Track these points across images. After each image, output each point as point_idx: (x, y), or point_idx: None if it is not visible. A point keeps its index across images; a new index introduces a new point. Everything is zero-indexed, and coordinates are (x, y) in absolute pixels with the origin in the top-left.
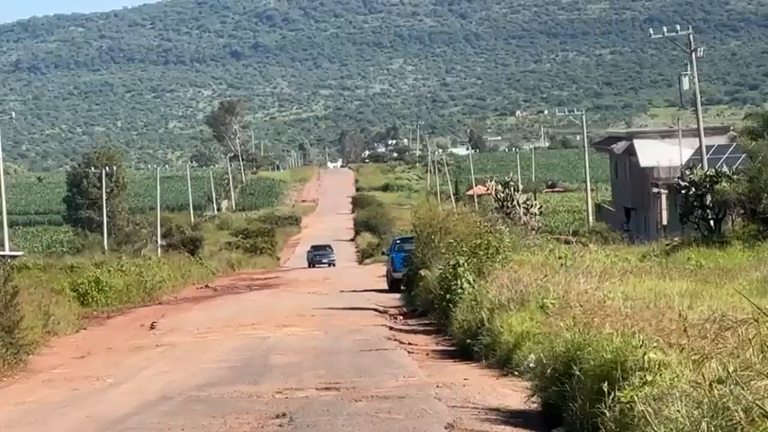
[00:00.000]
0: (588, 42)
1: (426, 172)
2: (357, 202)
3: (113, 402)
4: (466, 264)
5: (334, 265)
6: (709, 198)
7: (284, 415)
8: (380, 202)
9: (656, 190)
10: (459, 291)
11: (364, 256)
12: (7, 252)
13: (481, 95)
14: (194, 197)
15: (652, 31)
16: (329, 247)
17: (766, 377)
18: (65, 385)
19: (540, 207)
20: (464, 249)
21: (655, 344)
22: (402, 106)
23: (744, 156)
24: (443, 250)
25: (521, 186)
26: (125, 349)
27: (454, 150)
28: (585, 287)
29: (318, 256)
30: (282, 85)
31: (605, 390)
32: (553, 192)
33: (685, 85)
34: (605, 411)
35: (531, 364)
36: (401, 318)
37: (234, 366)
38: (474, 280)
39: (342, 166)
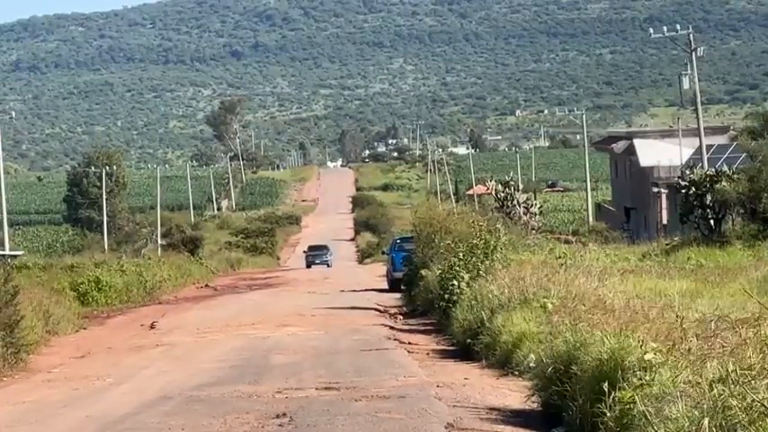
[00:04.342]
0: (588, 42)
1: (426, 172)
2: (357, 202)
3: (113, 402)
4: (463, 263)
5: (329, 265)
6: (709, 198)
7: (284, 415)
8: (380, 201)
9: (656, 190)
10: (457, 291)
11: (364, 255)
12: (7, 252)
13: (481, 95)
14: (194, 197)
15: (652, 31)
16: (326, 247)
17: (766, 376)
18: (65, 385)
19: (540, 206)
20: (462, 249)
21: (654, 343)
22: (402, 106)
23: (744, 155)
24: (443, 250)
25: (521, 186)
26: (125, 349)
27: (454, 150)
28: (586, 287)
29: (312, 256)
30: (282, 85)
31: (605, 389)
32: (553, 191)
33: (685, 84)
34: (605, 411)
35: (531, 364)
36: (401, 317)
37: (234, 366)
38: (472, 280)
39: (342, 166)
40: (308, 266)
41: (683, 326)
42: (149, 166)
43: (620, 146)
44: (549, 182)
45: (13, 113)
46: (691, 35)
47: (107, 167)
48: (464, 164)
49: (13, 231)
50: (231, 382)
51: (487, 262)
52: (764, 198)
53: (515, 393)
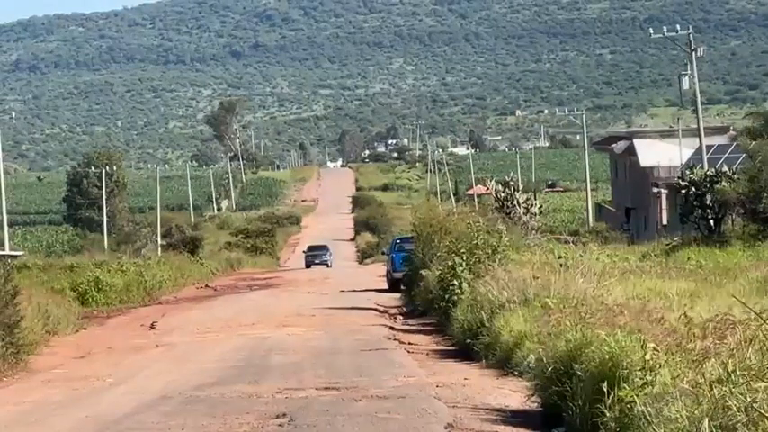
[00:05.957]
0: (588, 42)
1: (426, 172)
2: (357, 202)
3: (113, 402)
4: (464, 264)
5: (329, 265)
6: (709, 198)
7: (284, 415)
8: (380, 201)
9: (656, 190)
10: (458, 291)
11: (364, 255)
12: (7, 252)
13: (481, 95)
14: (194, 197)
15: (652, 31)
16: (325, 247)
17: (766, 377)
18: (65, 385)
19: (540, 207)
20: (462, 249)
21: (654, 344)
22: (402, 106)
23: (744, 156)
24: (443, 250)
25: (521, 186)
26: (125, 349)
27: (454, 150)
28: (585, 287)
29: (311, 256)
30: (282, 85)
31: (605, 390)
32: (553, 191)
33: (685, 84)
34: (605, 411)
35: (531, 364)
36: (401, 318)
37: (234, 366)
38: (472, 280)
39: (342, 166)
40: (308, 266)
41: (686, 326)
42: (149, 166)
43: (620, 146)
44: (549, 182)
45: (13, 113)
46: (691, 35)
47: (107, 168)
48: (464, 164)
49: (13, 231)
50: (231, 382)
51: (488, 262)
52: (764, 198)
53: (515, 393)
